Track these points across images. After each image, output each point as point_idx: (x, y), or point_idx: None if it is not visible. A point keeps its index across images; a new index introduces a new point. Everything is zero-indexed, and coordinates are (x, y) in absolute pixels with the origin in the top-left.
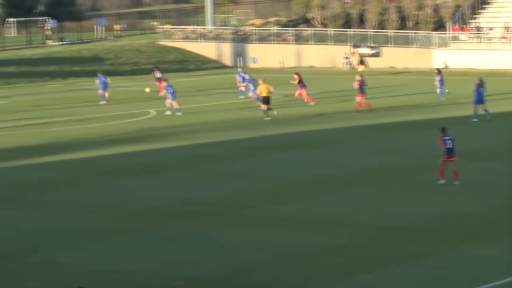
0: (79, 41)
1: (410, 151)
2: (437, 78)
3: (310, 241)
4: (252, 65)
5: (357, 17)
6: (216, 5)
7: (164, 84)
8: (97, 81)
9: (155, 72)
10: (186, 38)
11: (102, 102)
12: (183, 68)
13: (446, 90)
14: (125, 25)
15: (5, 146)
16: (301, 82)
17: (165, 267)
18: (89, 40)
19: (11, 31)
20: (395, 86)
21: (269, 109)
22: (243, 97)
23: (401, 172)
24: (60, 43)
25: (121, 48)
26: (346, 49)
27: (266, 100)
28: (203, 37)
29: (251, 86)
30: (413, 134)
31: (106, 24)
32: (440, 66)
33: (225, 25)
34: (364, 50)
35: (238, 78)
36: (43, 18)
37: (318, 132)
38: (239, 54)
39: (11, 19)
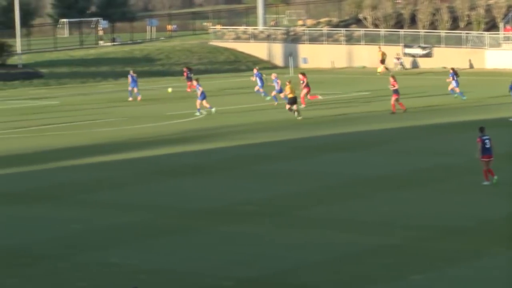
0: (131, 42)
1: (459, 152)
2: (450, 79)
3: (359, 242)
4: (303, 65)
5: (408, 17)
6: (267, 5)
7: (194, 84)
8: (130, 79)
9: (186, 71)
10: (237, 38)
11: (130, 99)
12: (234, 69)
13: (460, 96)
14: (176, 26)
15: (58, 146)
16: (307, 83)
17: (216, 267)
18: (141, 41)
19: (64, 32)
20: (444, 87)
21: (296, 110)
22: (269, 98)
23: (451, 173)
24: (112, 43)
25: (173, 49)
26: (398, 49)
27: (293, 101)
28: (254, 37)
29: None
30: (463, 135)
31: (157, 25)
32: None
33: (276, 26)
34: (416, 51)
35: (254, 79)
36: (96, 18)
37: (368, 133)
38: (290, 54)
39: (64, 20)
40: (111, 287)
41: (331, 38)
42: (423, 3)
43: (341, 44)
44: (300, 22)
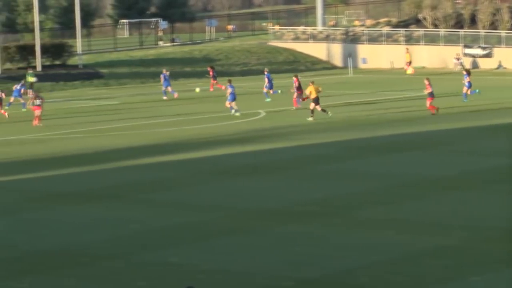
0: (190, 42)
1: None
2: (466, 79)
3: (419, 242)
4: (362, 65)
5: (468, 17)
6: (326, 5)
7: (227, 84)
8: (162, 78)
9: (212, 71)
10: (296, 38)
11: (164, 98)
12: (293, 69)
13: (477, 90)
14: (235, 26)
15: (118, 146)
16: (299, 86)
17: (274, 267)
18: (200, 41)
19: (124, 32)
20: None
21: (312, 110)
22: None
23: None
24: (172, 44)
25: (232, 49)
26: (458, 50)
27: (316, 101)
28: (313, 37)
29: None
30: None
31: (217, 25)
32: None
33: (335, 26)
34: (476, 51)
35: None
36: (155, 19)
37: (425, 133)
38: (349, 55)
39: (124, 21)
40: (170, 287)
41: (390, 39)
42: (483, 3)
43: (400, 44)
44: (356, 23)
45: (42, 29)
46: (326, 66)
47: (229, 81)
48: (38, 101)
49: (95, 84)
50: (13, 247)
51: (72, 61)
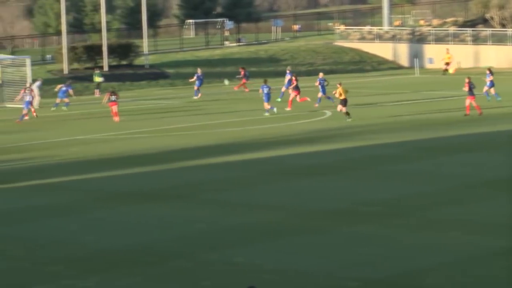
0: (256, 42)
1: None
2: (488, 78)
3: (485, 243)
4: (428, 65)
5: None
6: (392, 5)
7: (262, 84)
8: (195, 77)
9: (243, 71)
10: (362, 38)
11: (195, 97)
12: (359, 69)
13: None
14: (300, 26)
15: (183, 146)
16: (296, 85)
17: (340, 267)
18: (266, 41)
19: (190, 33)
20: None
21: (346, 113)
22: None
23: None
24: (237, 44)
25: (298, 49)
26: None
27: (344, 103)
28: (379, 37)
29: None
30: None
31: (282, 25)
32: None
33: (401, 26)
34: None
35: (288, 78)
36: (221, 19)
37: (493, 134)
38: (415, 56)
39: (190, 21)
40: (235, 286)
41: (457, 38)
42: None
43: (467, 44)
44: (421, 22)
45: (109, 30)
46: (392, 66)
47: (265, 81)
48: (113, 97)
49: (161, 84)
50: (81, 246)
51: (138, 61)
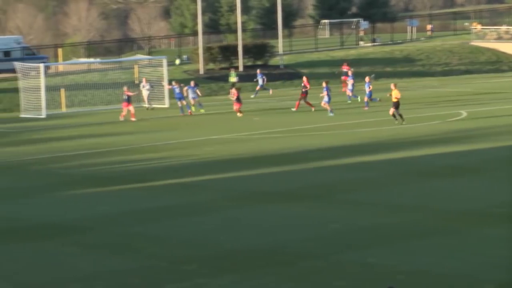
0: (391, 42)
1: None
2: None
3: None
4: None
5: None
6: None
7: (323, 86)
8: (259, 77)
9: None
10: (499, 38)
11: (252, 96)
12: (495, 69)
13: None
14: (432, 26)
15: (317, 146)
16: (305, 87)
17: (475, 269)
18: (401, 41)
19: (325, 33)
20: None
21: (399, 115)
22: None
23: None
24: (372, 44)
25: (433, 49)
26: None
27: (396, 105)
28: None
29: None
30: None
31: (418, 25)
32: None
33: None
34: None
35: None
36: (356, 19)
37: None
38: None
39: (325, 21)
40: (369, 287)
41: None
42: None
43: None
44: None
45: (244, 30)
46: None
47: (326, 83)
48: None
49: (295, 84)
50: (216, 245)
51: (273, 61)
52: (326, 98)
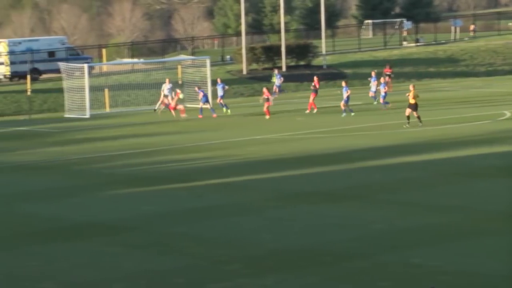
0: (435, 42)
1: None
2: None
3: None
4: None
5: None
6: None
7: (343, 86)
8: (275, 78)
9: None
10: None
11: (275, 96)
12: None
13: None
14: (475, 26)
15: (360, 146)
16: (315, 87)
17: None
18: (445, 41)
19: (368, 33)
20: None
21: (417, 117)
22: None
23: None
24: (416, 44)
25: (477, 49)
26: None
27: (415, 107)
28: None
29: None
30: None
31: (461, 25)
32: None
33: None
34: None
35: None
36: (400, 19)
37: None
38: None
39: (368, 21)
40: (411, 287)
41: None
42: None
43: None
44: None
45: (287, 30)
46: None
47: (346, 83)
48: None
49: (338, 84)
50: (259, 245)
51: (316, 61)
52: (345, 98)
